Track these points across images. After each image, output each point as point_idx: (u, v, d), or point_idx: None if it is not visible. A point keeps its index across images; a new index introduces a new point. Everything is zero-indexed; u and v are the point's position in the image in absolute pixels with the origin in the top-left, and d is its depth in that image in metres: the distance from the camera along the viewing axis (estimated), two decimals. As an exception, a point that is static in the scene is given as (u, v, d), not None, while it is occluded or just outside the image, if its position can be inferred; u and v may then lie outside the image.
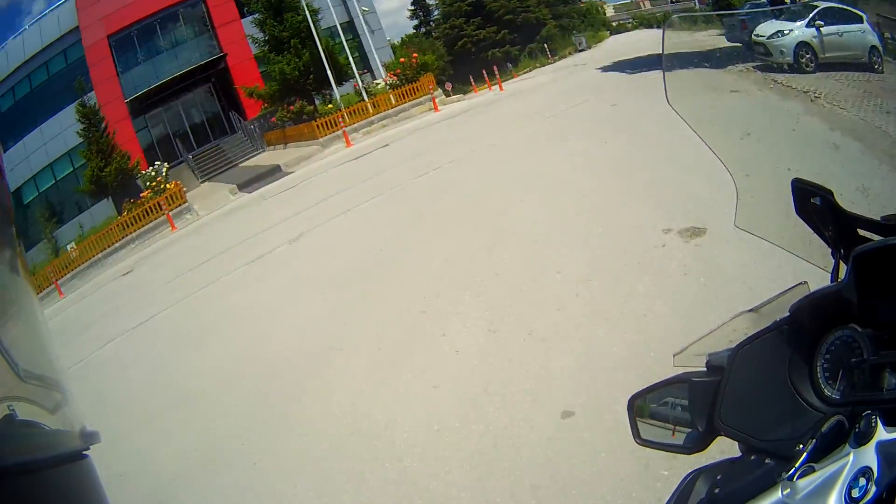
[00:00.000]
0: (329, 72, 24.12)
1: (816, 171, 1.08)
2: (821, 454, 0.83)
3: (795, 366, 0.98)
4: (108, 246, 21.14)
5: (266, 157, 25.76)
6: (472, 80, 27.71)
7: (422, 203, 9.50)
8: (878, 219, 1.03)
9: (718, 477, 0.88)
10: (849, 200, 1.03)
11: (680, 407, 1.06)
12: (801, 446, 0.82)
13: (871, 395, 0.90)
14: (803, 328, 0.98)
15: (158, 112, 30.30)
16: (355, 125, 22.77)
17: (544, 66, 30.75)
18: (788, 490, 0.78)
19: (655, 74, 1.19)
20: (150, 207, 21.51)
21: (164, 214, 21.27)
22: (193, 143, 30.57)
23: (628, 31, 43.49)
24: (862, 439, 0.79)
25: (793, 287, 1.10)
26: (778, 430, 0.95)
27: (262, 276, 9.18)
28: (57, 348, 0.81)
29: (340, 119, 22.39)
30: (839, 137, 1.21)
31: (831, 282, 1.00)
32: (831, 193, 1.01)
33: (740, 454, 0.98)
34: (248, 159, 27.60)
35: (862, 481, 0.76)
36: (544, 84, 21.17)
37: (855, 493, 0.75)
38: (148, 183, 23.94)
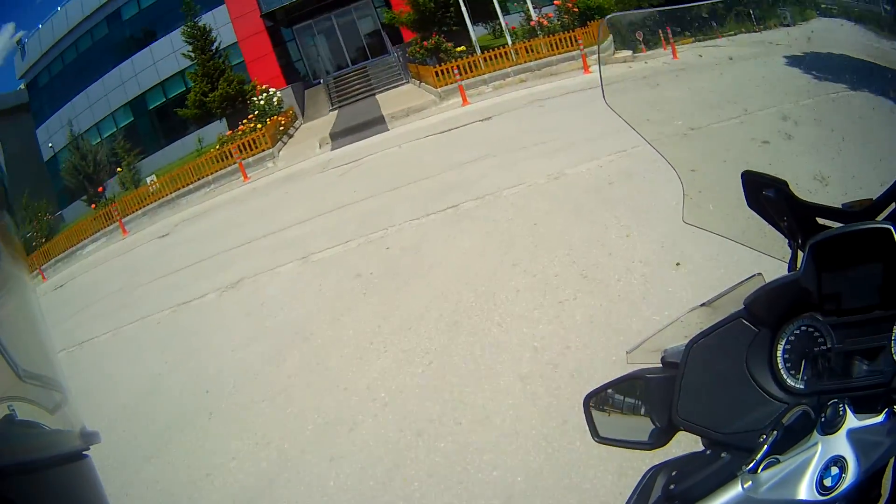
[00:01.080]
0: (463, 4, 19.82)
1: (768, 162, 1.10)
2: (786, 445, 0.84)
3: (754, 357, 1.00)
4: (185, 185, 19.21)
5: (404, 93, 21.59)
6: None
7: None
8: (840, 206, 1.05)
9: (674, 473, 0.89)
10: (805, 189, 1.05)
11: (637, 403, 1.08)
12: (764, 438, 0.83)
13: (838, 384, 0.93)
14: (760, 319, 1.00)
15: (307, 25, 27.71)
16: (484, 76, 17.82)
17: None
18: (750, 483, 0.79)
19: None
20: (227, 152, 19.02)
21: (251, 155, 18.79)
22: (342, 62, 27.85)
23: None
24: (830, 428, 0.81)
25: (747, 279, 1.13)
26: (739, 423, 0.97)
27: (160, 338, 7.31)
28: (57, 348, 0.83)
29: (456, 70, 17.49)
30: (791, 127, 1.21)
31: (788, 272, 1.02)
32: (786, 184, 1.03)
33: (703, 448, 0.99)
34: (387, 90, 24.06)
35: (834, 470, 0.77)
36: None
37: (828, 483, 0.77)
38: (254, 110, 22.34)
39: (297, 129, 22.01)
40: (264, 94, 23.00)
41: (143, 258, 13.06)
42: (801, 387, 0.97)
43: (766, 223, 1.09)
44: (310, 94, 24.72)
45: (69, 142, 27.60)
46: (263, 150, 18.70)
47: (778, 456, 0.83)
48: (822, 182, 1.12)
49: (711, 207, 1.23)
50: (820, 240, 0.97)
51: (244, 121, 21.58)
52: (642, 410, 1.07)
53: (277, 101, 22.84)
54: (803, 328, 0.99)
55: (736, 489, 0.79)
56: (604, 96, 1.17)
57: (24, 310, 0.78)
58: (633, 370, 1.09)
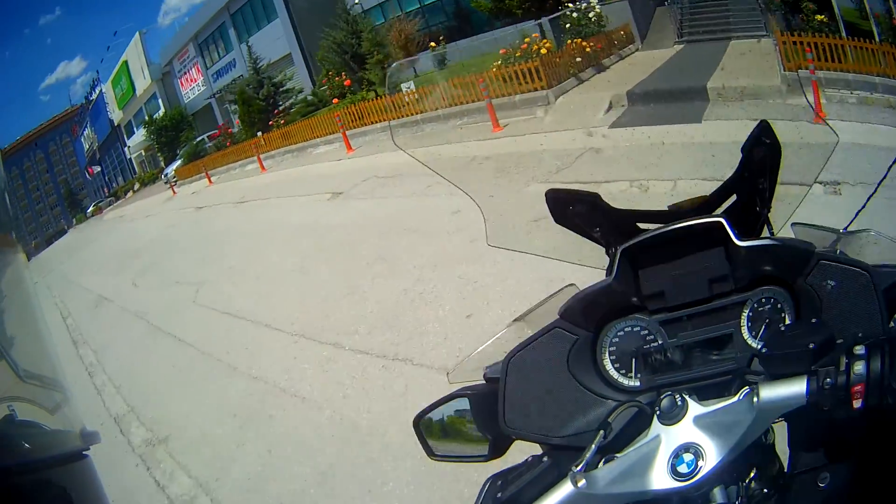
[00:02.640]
0: None
1: (575, 178, 1.16)
2: (624, 441, 0.91)
3: (577, 363, 1.05)
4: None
5: (751, 51, 11.51)
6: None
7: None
8: (666, 208, 1.14)
9: (500, 482, 0.92)
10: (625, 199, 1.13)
11: (467, 420, 1.13)
12: (597, 439, 0.88)
13: (680, 376, 1.01)
14: (578, 326, 1.05)
15: None
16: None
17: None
18: (583, 481, 0.83)
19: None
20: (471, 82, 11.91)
21: (520, 92, 12.49)
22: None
23: None
24: (670, 419, 0.87)
25: (561, 290, 1.20)
26: (573, 427, 1.01)
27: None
28: (57, 348, 0.87)
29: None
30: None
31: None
32: (598, 196, 1.11)
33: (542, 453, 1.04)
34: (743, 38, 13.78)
35: (688, 457, 0.84)
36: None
37: (683, 469, 0.83)
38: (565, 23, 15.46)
39: (620, 60, 13.97)
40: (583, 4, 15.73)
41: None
42: (637, 384, 1.04)
43: (579, 236, 1.16)
44: (662, 14, 16.63)
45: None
46: (535, 90, 12.32)
47: (616, 454, 0.88)
48: (641, 189, 1.15)
49: (513, 228, 1.32)
50: (630, 244, 1.03)
51: (532, 37, 14.68)
52: (473, 427, 1.12)
53: (596, 16, 15.47)
54: (628, 329, 1.06)
55: (567, 489, 0.84)
56: (393, 139, 1.30)
57: (24, 310, 0.81)
58: (455, 389, 1.14)
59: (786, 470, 0.95)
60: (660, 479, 0.84)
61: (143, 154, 34.74)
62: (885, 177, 1.29)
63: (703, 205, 1.13)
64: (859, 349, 0.80)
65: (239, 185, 17.37)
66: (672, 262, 1.05)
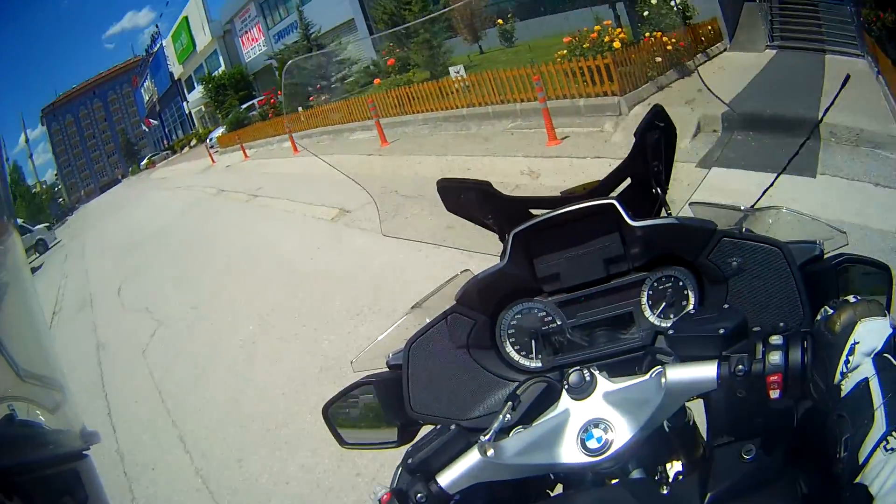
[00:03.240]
0: None
1: (468, 167, 1.21)
2: (533, 414, 0.94)
3: (478, 346, 1.12)
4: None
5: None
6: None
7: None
8: (559, 194, 1.18)
9: (410, 454, 0.94)
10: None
11: (375, 407, 1.17)
12: (505, 412, 0.93)
13: (579, 356, 1.07)
14: (475, 310, 1.11)
15: None
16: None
17: None
18: (492, 451, 0.87)
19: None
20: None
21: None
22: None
23: None
24: (578, 394, 0.91)
25: (456, 276, 1.27)
26: (478, 409, 1.08)
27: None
28: (57, 348, 0.87)
29: None
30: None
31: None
32: (489, 184, 1.15)
33: None
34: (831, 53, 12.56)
35: (597, 432, 0.88)
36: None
37: (592, 445, 0.88)
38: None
39: (707, 61, 11.83)
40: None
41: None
42: (538, 365, 1.11)
43: (472, 224, 1.21)
44: (750, 11, 14.71)
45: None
46: (603, 94, 9.86)
47: (525, 426, 0.92)
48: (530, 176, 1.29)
49: (407, 217, 1.38)
50: (522, 228, 1.07)
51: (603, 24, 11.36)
52: (379, 412, 1.16)
53: (682, 4, 12.06)
54: (525, 311, 1.13)
55: (475, 457, 0.88)
56: (293, 143, 1.34)
57: (24, 310, 0.82)
58: (360, 377, 1.18)
59: (706, 442, 1.00)
60: (569, 452, 0.89)
61: (204, 110, 35.23)
62: (795, 154, 1.31)
63: (596, 189, 1.16)
64: (776, 339, 0.84)
65: (267, 166, 16.87)
66: (567, 245, 1.10)
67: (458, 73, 10.17)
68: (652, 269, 1.10)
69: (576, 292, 1.11)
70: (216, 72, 32.61)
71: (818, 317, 0.89)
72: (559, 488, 1.05)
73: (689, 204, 1.26)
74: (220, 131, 27.67)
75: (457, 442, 0.92)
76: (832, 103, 1.28)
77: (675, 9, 10.83)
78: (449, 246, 1.32)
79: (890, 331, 0.82)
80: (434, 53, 15.34)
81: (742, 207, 1.26)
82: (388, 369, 1.18)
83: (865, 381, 0.77)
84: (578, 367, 0.92)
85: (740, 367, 0.83)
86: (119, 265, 12.20)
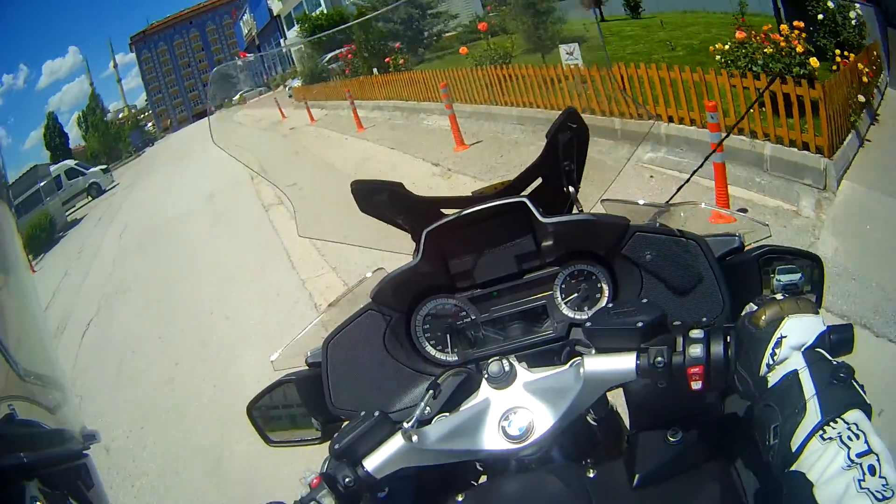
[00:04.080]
0: None
1: (379, 170, 1.26)
2: (455, 403, 1.00)
3: (393, 341, 1.19)
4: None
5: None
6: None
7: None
8: (470, 194, 1.28)
9: (336, 440, 0.99)
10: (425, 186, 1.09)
11: (298, 404, 1.23)
12: (426, 399, 0.98)
13: (494, 348, 1.16)
14: (389, 307, 1.18)
15: None
16: None
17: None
18: (415, 437, 0.93)
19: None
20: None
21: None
22: None
23: None
24: (500, 382, 0.98)
25: (371, 274, 1.30)
26: (398, 403, 1.15)
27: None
28: (56, 347, 0.88)
29: None
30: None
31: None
32: (401, 185, 1.22)
33: None
34: None
35: (518, 420, 0.95)
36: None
37: (513, 432, 0.94)
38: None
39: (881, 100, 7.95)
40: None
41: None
42: (455, 359, 1.18)
43: (385, 224, 1.29)
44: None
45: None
46: (801, 147, 5.92)
47: (446, 413, 1.00)
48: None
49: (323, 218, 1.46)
50: (434, 227, 1.13)
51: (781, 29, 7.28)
52: (302, 409, 1.23)
53: (858, 19, 8.80)
54: (439, 307, 1.20)
55: (399, 442, 0.94)
56: (212, 136, 1.40)
57: (24, 309, 0.83)
58: (280, 376, 1.24)
59: (629, 430, 1.09)
60: (491, 438, 0.96)
61: (303, 49, 35.10)
62: (712, 152, 1.51)
63: (507, 188, 1.23)
64: (697, 333, 0.90)
65: (325, 142, 10.97)
66: (479, 243, 1.17)
67: (570, 54, 6.86)
68: (565, 263, 1.18)
69: (488, 288, 1.19)
70: (315, 11, 32.13)
71: (743, 312, 0.95)
72: (485, 479, 1.12)
73: (602, 201, 1.31)
74: (295, 82, 24.01)
75: (381, 428, 0.97)
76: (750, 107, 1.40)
77: (852, 23, 8.18)
78: (364, 246, 1.40)
79: (822, 328, 0.86)
80: (539, 21, 10.87)
81: (662, 204, 1.30)
82: (307, 367, 1.26)
83: (794, 372, 0.81)
84: (498, 358, 0.98)
85: (659, 358, 0.88)
86: (126, 256, 11.71)
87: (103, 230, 16.31)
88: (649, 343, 0.91)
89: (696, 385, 0.88)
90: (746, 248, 1.18)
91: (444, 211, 1.21)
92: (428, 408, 0.97)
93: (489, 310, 1.19)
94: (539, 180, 1.26)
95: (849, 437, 0.73)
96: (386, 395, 1.15)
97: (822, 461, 0.73)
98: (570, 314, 1.17)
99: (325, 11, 31.50)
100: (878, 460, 0.70)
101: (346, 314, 1.21)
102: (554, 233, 1.13)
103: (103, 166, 29.59)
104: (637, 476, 0.97)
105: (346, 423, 1.08)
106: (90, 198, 27.17)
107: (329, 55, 21.18)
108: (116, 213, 18.22)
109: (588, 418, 1.06)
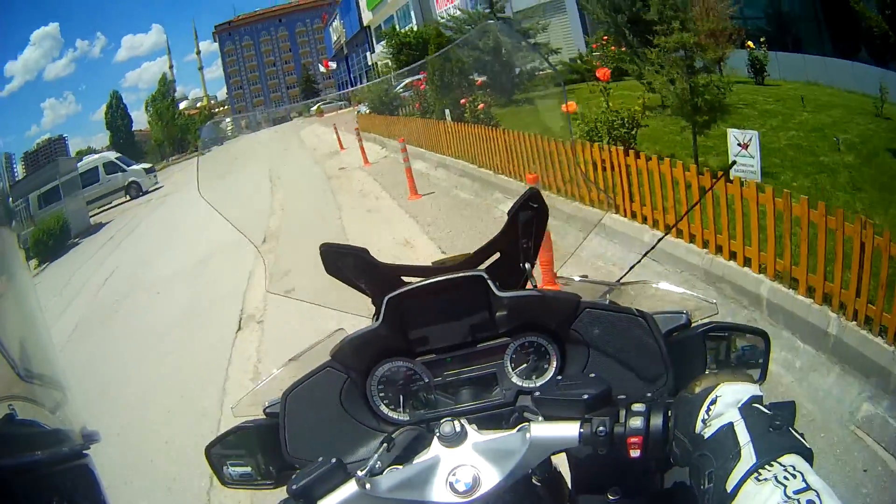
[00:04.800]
0: None
1: (335, 235, 1.25)
2: (407, 457, 1.08)
3: (349, 399, 1.28)
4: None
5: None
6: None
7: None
8: (430, 264, 1.37)
9: (294, 481, 1.04)
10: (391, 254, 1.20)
11: (254, 450, 1.33)
12: (380, 451, 1.06)
13: (445, 410, 1.26)
14: (347, 366, 1.27)
15: None
16: None
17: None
18: (368, 484, 0.99)
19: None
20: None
21: None
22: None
23: None
24: (451, 441, 1.04)
25: (332, 334, 1.42)
26: (350, 455, 1.23)
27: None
28: (56, 347, 0.92)
29: None
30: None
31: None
32: (366, 251, 1.30)
33: None
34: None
35: (466, 476, 1.01)
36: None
37: (460, 487, 1.00)
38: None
39: None
40: None
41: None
42: (406, 418, 1.28)
43: (349, 287, 1.36)
44: None
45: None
46: None
47: (399, 466, 1.05)
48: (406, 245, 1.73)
49: (292, 278, 1.59)
50: (395, 294, 1.22)
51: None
52: (258, 455, 1.33)
53: None
54: (395, 369, 1.29)
55: (352, 488, 1.00)
56: (198, 188, 1.46)
57: (24, 309, 0.86)
58: (239, 423, 1.34)
59: (571, 491, 1.20)
60: (439, 492, 1.02)
61: (391, 63, 33.62)
62: (663, 237, 1.53)
63: (467, 261, 1.34)
64: (638, 406, 0.98)
65: (364, 205, 9.62)
66: (437, 312, 1.26)
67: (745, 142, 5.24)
68: (516, 335, 1.27)
69: (443, 354, 1.29)
70: (406, 27, 31.06)
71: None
72: None
73: (557, 277, 1.45)
74: (363, 108, 20.73)
75: (336, 473, 1.04)
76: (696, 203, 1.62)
77: None
78: (328, 307, 1.49)
79: (757, 392, 0.93)
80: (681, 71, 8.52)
81: (614, 283, 1.43)
82: (265, 416, 1.34)
83: (730, 424, 0.87)
84: (450, 418, 1.04)
85: (601, 428, 0.97)
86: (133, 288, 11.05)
87: (102, 259, 15.43)
88: (593, 414, 1.00)
89: (635, 453, 0.96)
90: (693, 325, 1.27)
91: (406, 279, 1.31)
92: (381, 460, 1.04)
93: (442, 374, 1.29)
94: (497, 255, 1.35)
95: (784, 477, 0.77)
96: (340, 447, 1.23)
97: (758, 499, 0.76)
98: (519, 382, 1.28)
99: (415, 28, 30.03)
100: (819, 496, 0.73)
101: (306, 369, 1.29)
102: (508, 306, 1.24)
103: (147, 165, 28.82)
104: None
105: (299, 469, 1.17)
106: (128, 197, 26.27)
107: (405, 81, 17.81)
108: (125, 239, 17.50)
109: (532, 479, 1.14)
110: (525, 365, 1.28)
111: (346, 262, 1.31)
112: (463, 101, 12.64)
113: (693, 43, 8.11)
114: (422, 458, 1.05)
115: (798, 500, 0.73)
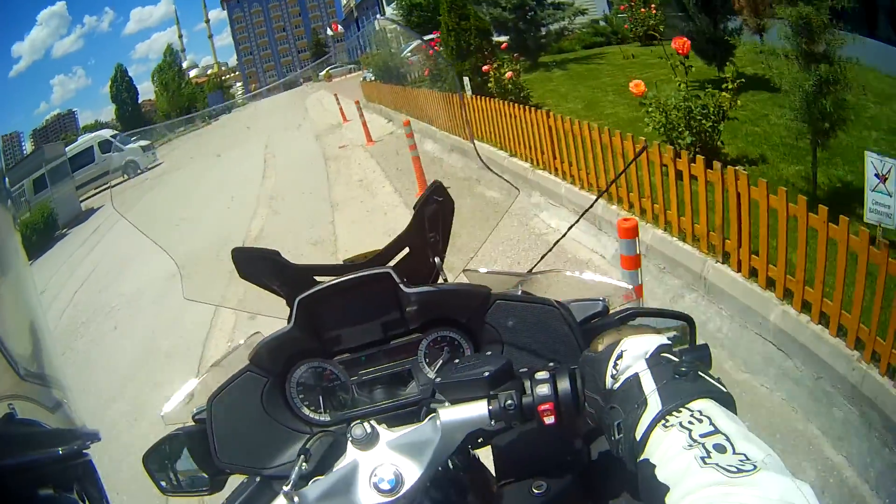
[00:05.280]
0: None
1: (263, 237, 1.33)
2: (326, 465, 1.09)
3: (270, 402, 1.30)
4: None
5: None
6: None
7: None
8: (341, 261, 1.37)
9: None
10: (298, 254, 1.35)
11: (187, 457, 1.36)
12: (300, 463, 1.07)
13: (364, 409, 1.30)
14: (265, 370, 1.29)
15: None
16: None
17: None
18: (296, 498, 1.00)
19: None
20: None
21: None
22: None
23: None
24: (365, 444, 1.05)
25: (251, 336, 1.44)
26: (277, 459, 1.27)
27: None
28: (57, 346, 0.92)
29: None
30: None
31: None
32: (277, 253, 1.31)
33: None
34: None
35: (388, 475, 1.02)
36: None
37: (384, 486, 1.02)
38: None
39: None
40: None
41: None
42: (327, 418, 1.32)
43: (263, 290, 1.37)
44: None
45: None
46: None
47: (320, 477, 1.06)
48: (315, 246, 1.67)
49: (208, 283, 1.63)
50: (306, 295, 1.24)
51: None
52: (193, 462, 1.36)
53: None
54: (311, 370, 1.33)
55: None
56: (112, 203, 1.52)
57: (24, 309, 0.87)
58: (171, 430, 1.37)
59: (497, 481, 1.22)
60: (365, 495, 1.03)
61: (390, 31, 32.35)
62: (575, 222, 1.55)
63: (376, 258, 1.34)
64: (542, 374, 1.01)
65: (358, 198, 8.80)
66: (348, 311, 1.28)
67: (884, 173, 3.84)
68: (429, 330, 1.31)
69: (357, 353, 1.32)
70: None
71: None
72: None
73: (464, 271, 1.44)
74: (370, 75, 17.31)
75: (263, 492, 1.11)
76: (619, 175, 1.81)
77: None
78: (246, 311, 1.54)
79: (663, 342, 0.94)
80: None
81: (524, 273, 1.46)
82: (194, 423, 1.37)
83: (636, 375, 0.88)
84: (360, 421, 1.05)
85: (509, 401, 0.99)
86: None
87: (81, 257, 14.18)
88: (498, 389, 1.02)
89: (549, 419, 0.98)
90: (611, 312, 1.29)
91: (318, 279, 1.32)
92: (302, 472, 1.06)
93: (358, 373, 1.32)
94: (406, 250, 1.37)
95: (689, 422, 0.77)
96: (265, 451, 1.27)
97: (664, 446, 0.77)
98: (434, 377, 1.31)
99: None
100: (729, 440, 0.73)
101: (228, 374, 1.31)
102: (417, 302, 1.26)
103: (145, 142, 27.53)
104: None
105: (231, 476, 1.21)
106: (126, 177, 25.39)
107: (413, 44, 14.80)
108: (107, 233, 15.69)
109: (457, 471, 1.17)
110: (439, 360, 1.32)
111: (257, 266, 1.33)
112: (486, 67, 11.81)
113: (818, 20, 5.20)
114: (340, 465, 1.07)
115: (703, 444, 0.73)
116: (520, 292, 1.31)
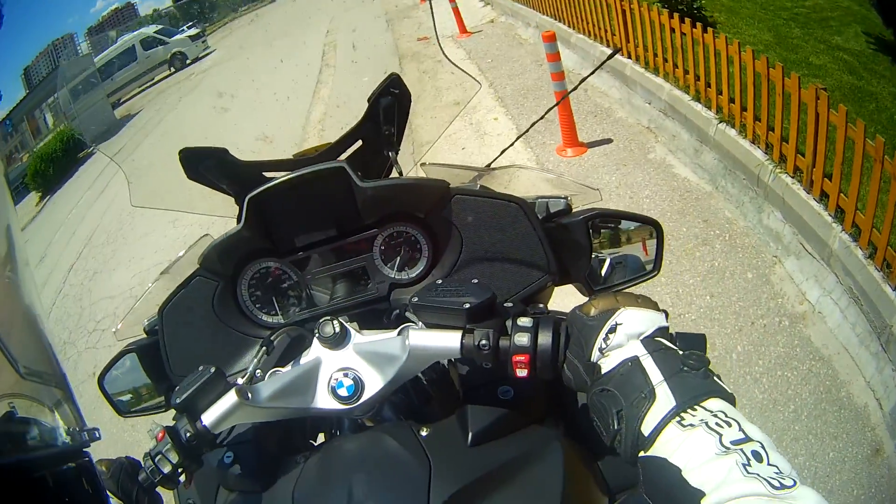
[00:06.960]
0: None
1: (206, 136, 1.36)
2: (287, 360, 1.13)
3: (221, 306, 1.32)
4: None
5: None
6: None
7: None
8: (291, 156, 1.39)
9: (177, 394, 1.09)
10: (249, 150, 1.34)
11: (143, 372, 1.35)
12: (259, 355, 1.12)
13: (320, 309, 1.32)
14: (216, 273, 1.31)
15: None
16: None
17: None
18: (249, 394, 1.03)
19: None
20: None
21: None
22: None
23: None
24: (332, 343, 1.08)
25: (198, 240, 1.46)
26: (234, 365, 1.29)
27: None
28: (57, 345, 0.96)
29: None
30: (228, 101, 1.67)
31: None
32: (226, 151, 1.32)
33: None
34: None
35: (347, 381, 1.06)
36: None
37: (342, 392, 1.06)
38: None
39: None
40: None
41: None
42: (281, 321, 1.34)
43: (213, 190, 1.39)
44: None
45: None
46: None
47: (280, 369, 1.10)
48: (265, 141, 1.54)
49: (156, 187, 1.61)
50: (256, 193, 1.25)
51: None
52: (148, 378, 1.35)
53: None
54: (263, 271, 1.34)
55: (232, 398, 1.03)
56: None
57: (24, 307, 0.90)
58: (123, 346, 1.35)
59: (462, 387, 1.21)
60: (322, 398, 1.07)
61: None
62: (541, 117, 1.56)
63: (328, 151, 1.34)
64: (525, 321, 1.00)
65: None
66: (300, 207, 1.30)
67: None
68: (384, 226, 1.33)
69: (310, 251, 1.34)
70: None
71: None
72: (322, 438, 1.26)
73: (421, 165, 1.46)
74: None
75: (216, 384, 1.07)
76: (591, 73, 1.64)
77: None
78: (194, 212, 1.53)
79: (663, 323, 0.94)
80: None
81: (483, 167, 1.45)
82: (146, 336, 1.39)
83: (635, 358, 0.88)
84: (329, 318, 1.07)
85: (484, 341, 0.99)
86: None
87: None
88: (476, 325, 1.02)
89: (521, 372, 0.99)
90: (574, 211, 1.29)
91: (268, 175, 1.33)
92: (261, 366, 1.10)
93: (311, 272, 1.33)
94: (359, 143, 1.39)
95: (717, 424, 0.77)
96: (221, 359, 1.26)
97: (688, 447, 0.77)
98: (391, 275, 1.36)
99: None
100: (763, 447, 0.74)
101: (178, 281, 1.32)
102: (372, 196, 1.27)
103: (194, 31, 27.28)
104: (470, 434, 1.08)
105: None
106: (172, 70, 24.68)
107: None
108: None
109: (420, 377, 1.15)
110: (396, 257, 1.35)
111: (206, 165, 1.32)
112: None
113: None
114: (302, 361, 1.09)
115: (741, 451, 0.73)
116: (478, 187, 1.31)
